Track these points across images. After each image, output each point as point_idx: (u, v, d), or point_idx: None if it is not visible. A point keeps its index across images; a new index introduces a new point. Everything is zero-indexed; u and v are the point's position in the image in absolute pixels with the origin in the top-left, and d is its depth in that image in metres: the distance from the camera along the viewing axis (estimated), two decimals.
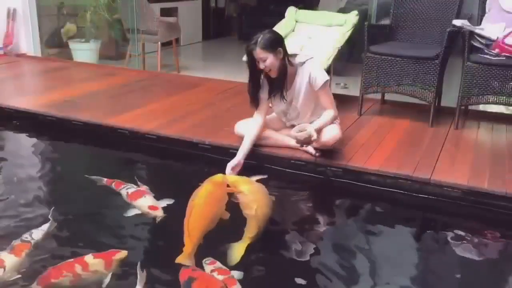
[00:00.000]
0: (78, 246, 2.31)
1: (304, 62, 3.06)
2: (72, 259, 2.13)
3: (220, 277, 2.08)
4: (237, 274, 2.13)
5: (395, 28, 4.20)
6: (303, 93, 3.09)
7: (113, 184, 2.89)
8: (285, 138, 3.21)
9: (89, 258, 2.15)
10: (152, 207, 2.63)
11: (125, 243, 2.43)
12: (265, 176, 3.01)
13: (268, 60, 2.91)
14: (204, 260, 2.20)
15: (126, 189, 2.80)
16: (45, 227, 2.42)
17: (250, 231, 2.35)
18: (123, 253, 2.22)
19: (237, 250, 2.25)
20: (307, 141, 2.91)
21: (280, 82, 3.02)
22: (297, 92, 3.10)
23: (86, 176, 3.01)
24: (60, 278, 2.06)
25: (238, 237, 2.34)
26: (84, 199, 2.92)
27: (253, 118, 3.17)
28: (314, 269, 2.27)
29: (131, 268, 2.14)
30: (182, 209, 2.39)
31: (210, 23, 9.26)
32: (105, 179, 2.96)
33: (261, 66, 2.94)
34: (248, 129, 3.14)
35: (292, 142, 3.12)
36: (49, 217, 2.51)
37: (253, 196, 2.59)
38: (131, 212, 2.62)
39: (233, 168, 2.95)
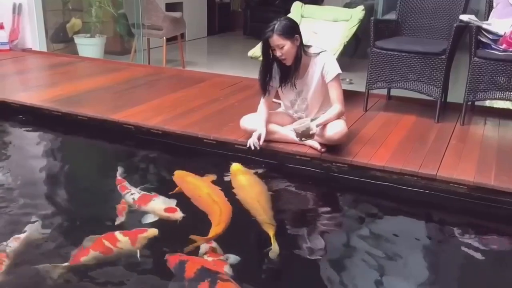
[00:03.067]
0: (77, 244, 2.29)
1: (318, 53, 3.05)
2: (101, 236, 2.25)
3: (210, 259, 2.14)
4: (232, 259, 2.20)
5: (402, 23, 4.17)
6: (315, 84, 3.08)
7: (119, 185, 2.80)
8: (290, 133, 3.20)
9: (118, 234, 2.25)
10: (169, 210, 2.54)
11: None
12: (264, 170, 3.04)
13: (286, 47, 2.89)
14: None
15: (131, 194, 2.67)
16: (27, 233, 2.32)
17: (268, 222, 2.43)
18: (152, 231, 2.29)
19: (272, 244, 2.27)
20: (305, 135, 2.91)
21: (294, 70, 3.01)
22: (309, 82, 3.09)
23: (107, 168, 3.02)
24: (89, 254, 2.16)
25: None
26: (88, 195, 2.92)
27: (260, 105, 3.19)
28: (316, 264, 2.27)
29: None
30: (187, 204, 2.39)
31: (215, 18, 9.24)
32: (118, 177, 2.90)
33: (278, 53, 2.92)
34: (258, 113, 3.17)
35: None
36: (34, 220, 2.44)
37: (255, 190, 2.71)
38: (147, 219, 2.49)
39: (259, 138, 3.01)
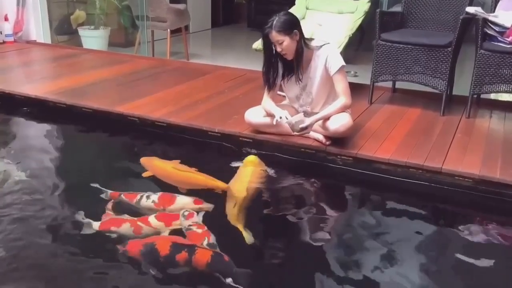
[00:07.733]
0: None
1: (321, 46, 3.03)
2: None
3: (199, 231, 2.27)
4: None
5: (407, 15, 4.14)
6: (319, 77, 3.06)
7: (121, 196, 2.63)
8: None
9: (151, 218, 2.37)
10: (197, 202, 2.51)
11: None
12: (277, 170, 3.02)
13: (285, 43, 2.88)
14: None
15: (147, 198, 2.55)
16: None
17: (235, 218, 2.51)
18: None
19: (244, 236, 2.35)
20: (296, 128, 2.92)
21: (296, 64, 3.00)
22: (313, 76, 3.08)
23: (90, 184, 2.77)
24: (120, 227, 2.32)
25: None
26: (91, 187, 2.91)
27: (264, 99, 3.17)
28: (322, 257, 2.28)
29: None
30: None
31: (219, 11, 9.20)
32: (110, 192, 2.67)
33: (278, 49, 2.92)
34: (264, 105, 3.17)
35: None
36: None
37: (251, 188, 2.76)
38: None
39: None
